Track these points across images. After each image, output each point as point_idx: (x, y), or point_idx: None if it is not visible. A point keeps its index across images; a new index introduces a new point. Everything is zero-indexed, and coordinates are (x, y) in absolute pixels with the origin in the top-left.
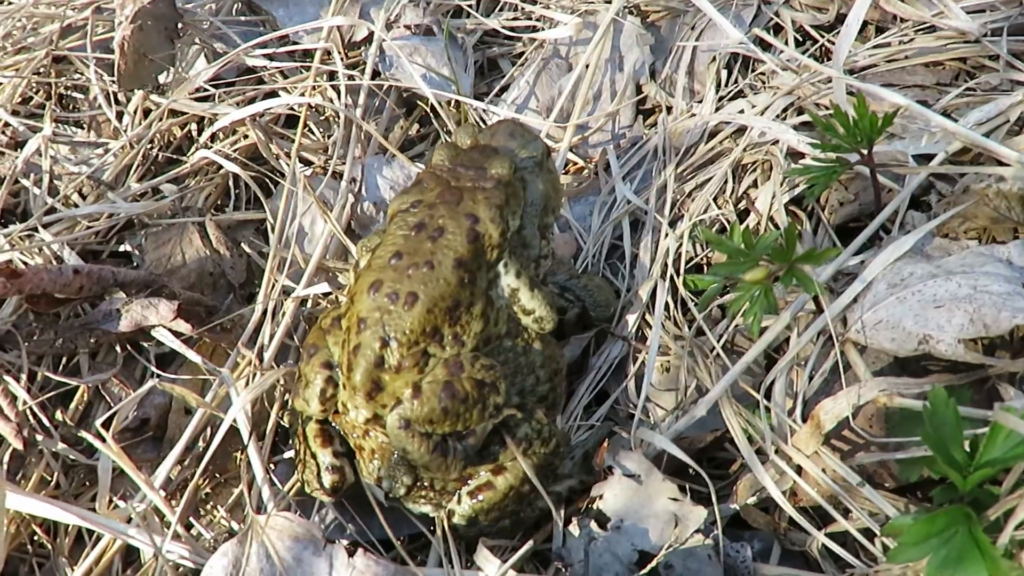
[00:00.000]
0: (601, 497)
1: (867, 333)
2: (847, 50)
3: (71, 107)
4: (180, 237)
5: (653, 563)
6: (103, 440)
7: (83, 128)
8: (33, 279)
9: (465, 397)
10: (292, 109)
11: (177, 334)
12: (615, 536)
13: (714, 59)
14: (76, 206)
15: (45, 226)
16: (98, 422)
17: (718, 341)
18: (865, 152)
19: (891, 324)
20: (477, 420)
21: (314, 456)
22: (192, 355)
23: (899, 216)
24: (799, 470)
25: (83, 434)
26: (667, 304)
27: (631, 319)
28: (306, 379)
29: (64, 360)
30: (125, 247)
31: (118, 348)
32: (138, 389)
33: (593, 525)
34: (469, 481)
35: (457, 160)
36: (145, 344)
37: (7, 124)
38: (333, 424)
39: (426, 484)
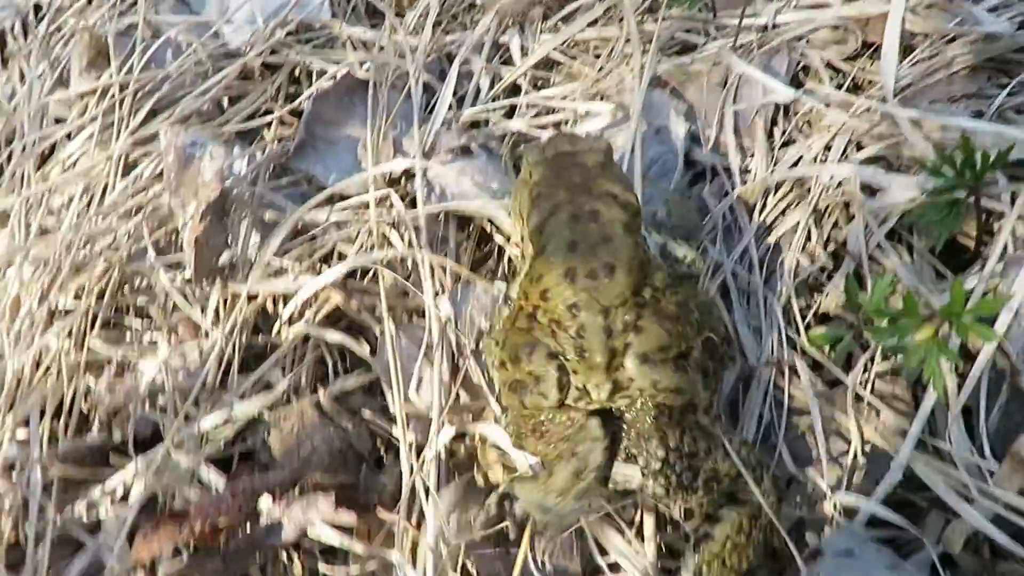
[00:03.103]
0: None
1: None
2: (893, 80)
3: (138, 315)
4: (301, 422)
5: None
6: None
7: (162, 333)
8: (200, 515)
9: (676, 317)
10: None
11: (335, 526)
12: None
13: (758, 112)
14: (194, 419)
15: (177, 446)
16: None
17: (863, 390)
18: (973, 187)
19: None
20: (692, 336)
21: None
22: (357, 547)
23: (1004, 232)
24: (1008, 507)
25: None
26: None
27: (760, 386)
28: (535, 376)
29: None
30: (248, 446)
31: (284, 555)
32: None
33: None
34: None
35: (554, 168)
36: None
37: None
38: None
39: (671, 463)
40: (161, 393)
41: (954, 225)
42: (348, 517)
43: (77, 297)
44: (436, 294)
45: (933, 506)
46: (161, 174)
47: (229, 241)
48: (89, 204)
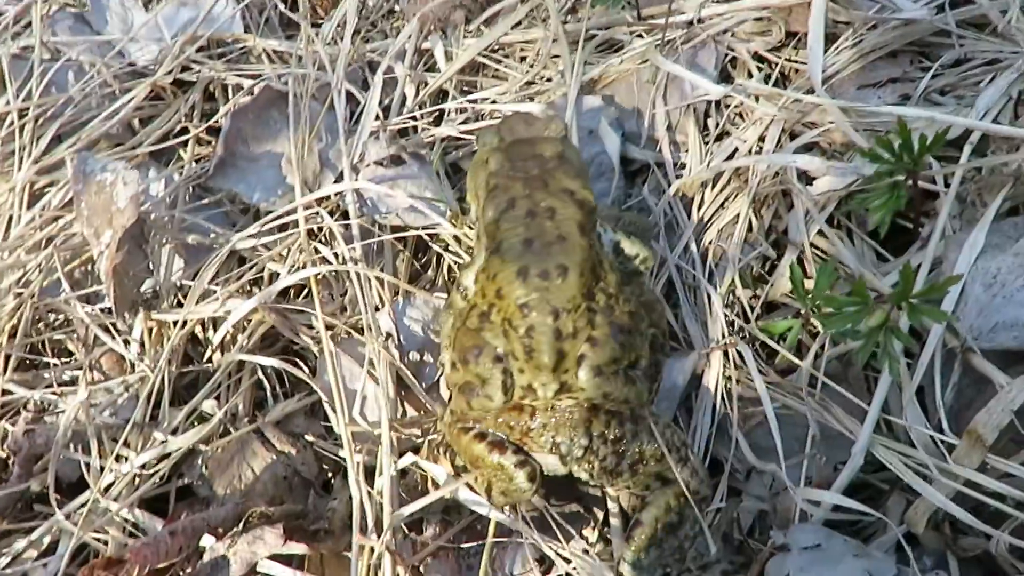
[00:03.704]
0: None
1: (986, 338)
2: (820, 70)
3: (56, 352)
4: (241, 452)
5: None
6: None
7: (83, 370)
8: (139, 560)
9: (629, 330)
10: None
11: (284, 559)
12: None
13: (690, 107)
14: (125, 459)
15: (104, 491)
16: None
17: (811, 380)
18: (912, 170)
19: (1008, 324)
20: (641, 345)
21: (500, 466)
22: None
23: (944, 212)
24: (967, 484)
25: None
26: (740, 355)
27: (711, 378)
28: (481, 378)
29: None
30: (184, 481)
31: None
32: None
33: None
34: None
35: (511, 158)
36: None
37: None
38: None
39: (594, 449)
40: (86, 434)
41: (896, 207)
42: (299, 548)
43: None
44: (376, 309)
45: (894, 487)
46: (70, 203)
47: (151, 268)
48: None
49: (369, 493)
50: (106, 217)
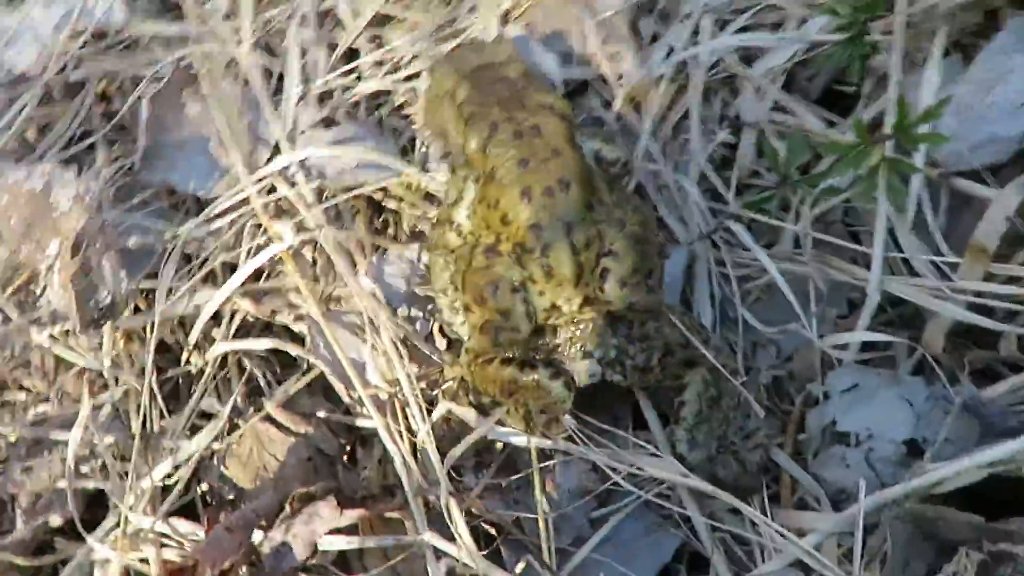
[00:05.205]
0: (834, 423)
1: (966, 161)
2: None
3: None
4: (258, 443)
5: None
6: None
7: (57, 402)
8: (208, 560)
9: (644, 239)
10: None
11: (343, 531)
12: (874, 445)
13: (618, 15)
14: (142, 476)
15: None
16: None
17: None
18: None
19: (984, 142)
20: (653, 254)
21: (536, 383)
22: (369, 542)
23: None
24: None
25: None
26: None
27: (702, 265)
28: (503, 313)
29: None
30: (202, 487)
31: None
32: None
33: (843, 449)
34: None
35: (479, 84)
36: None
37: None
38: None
39: (624, 349)
40: (86, 460)
41: (862, 53)
42: (356, 513)
43: None
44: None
45: (894, 325)
46: None
47: (93, 280)
48: None
49: (407, 440)
50: (48, 225)
